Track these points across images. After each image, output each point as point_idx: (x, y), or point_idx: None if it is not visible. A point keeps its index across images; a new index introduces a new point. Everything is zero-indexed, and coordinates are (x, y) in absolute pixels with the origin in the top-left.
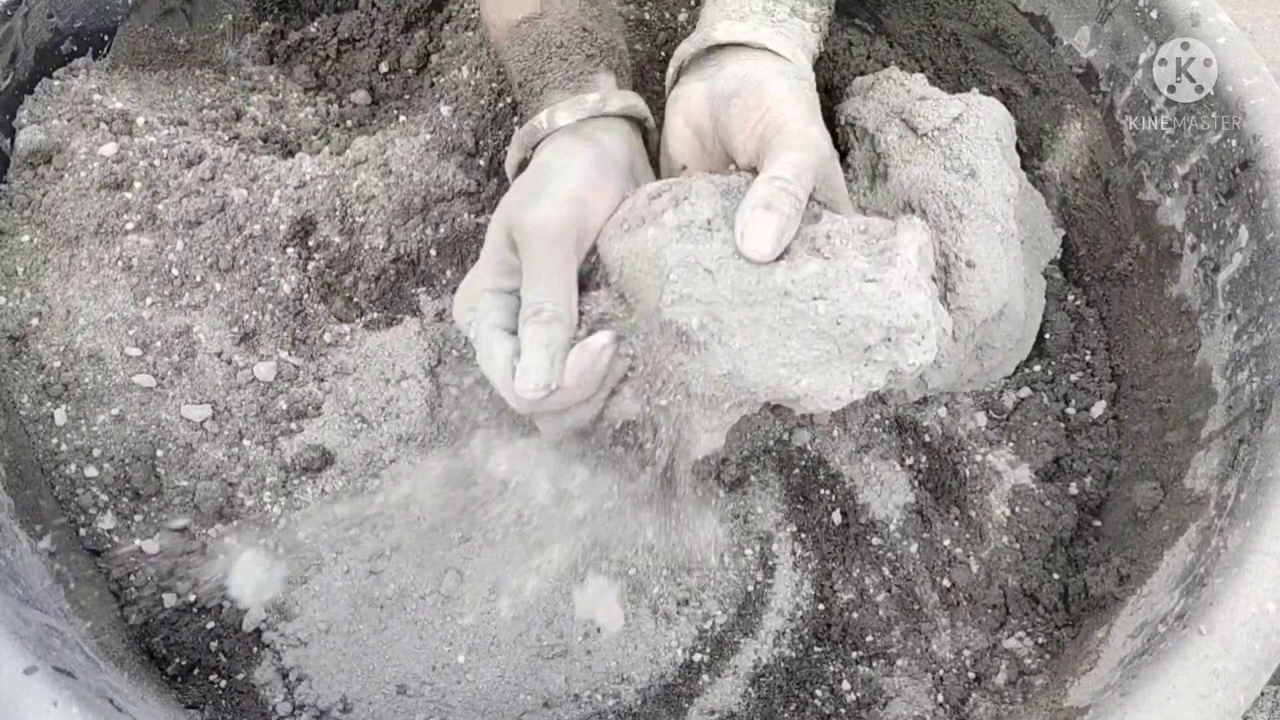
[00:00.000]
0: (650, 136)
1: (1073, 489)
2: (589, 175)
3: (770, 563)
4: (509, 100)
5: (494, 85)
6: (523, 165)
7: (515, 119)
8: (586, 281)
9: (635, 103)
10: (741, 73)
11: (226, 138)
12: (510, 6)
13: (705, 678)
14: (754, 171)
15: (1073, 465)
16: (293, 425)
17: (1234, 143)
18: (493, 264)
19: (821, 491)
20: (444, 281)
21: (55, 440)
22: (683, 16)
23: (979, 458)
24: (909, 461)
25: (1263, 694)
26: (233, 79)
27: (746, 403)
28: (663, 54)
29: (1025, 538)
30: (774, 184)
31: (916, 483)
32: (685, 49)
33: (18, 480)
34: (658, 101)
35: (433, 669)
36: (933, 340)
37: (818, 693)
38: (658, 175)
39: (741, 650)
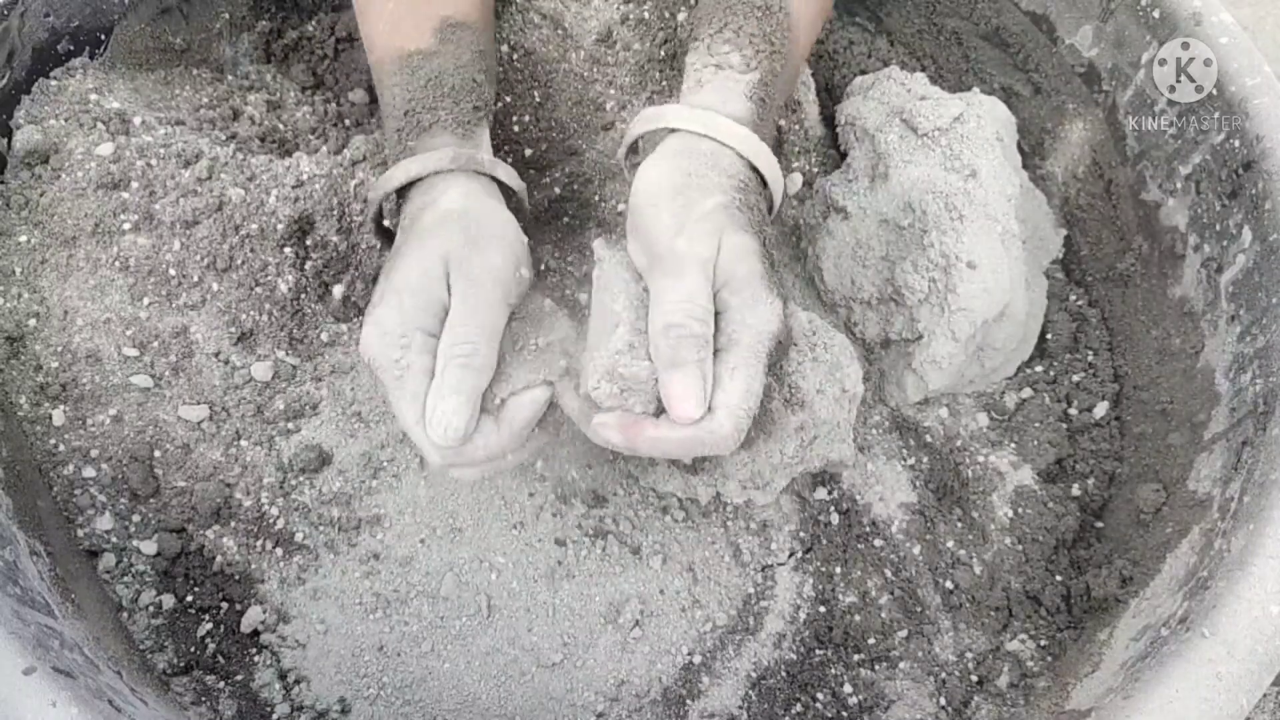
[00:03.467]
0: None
1: (1075, 490)
2: (520, 245)
3: (771, 564)
4: (507, 100)
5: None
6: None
7: (377, 134)
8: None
9: (523, 188)
10: (637, 177)
11: (224, 137)
12: (401, 35)
13: (705, 680)
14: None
15: (1075, 466)
16: (290, 425)
17: (1237, 143)
18: (422, 301)
19: (822, 492)
20: None
21: (53, 441)
22: (682, 16)
23: (981, 458)
24: (910, 462)
25: (1265, 695)
26: (230, 78)
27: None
28: (661, 53)
29: (1028, 539)
30: (669, 335)
31: (918, 483)
32: (619, 154)
33: (16, 481)
34: (655, 100)
35: (430, 672)
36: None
37: (819, 696)
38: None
39: (742, 653)
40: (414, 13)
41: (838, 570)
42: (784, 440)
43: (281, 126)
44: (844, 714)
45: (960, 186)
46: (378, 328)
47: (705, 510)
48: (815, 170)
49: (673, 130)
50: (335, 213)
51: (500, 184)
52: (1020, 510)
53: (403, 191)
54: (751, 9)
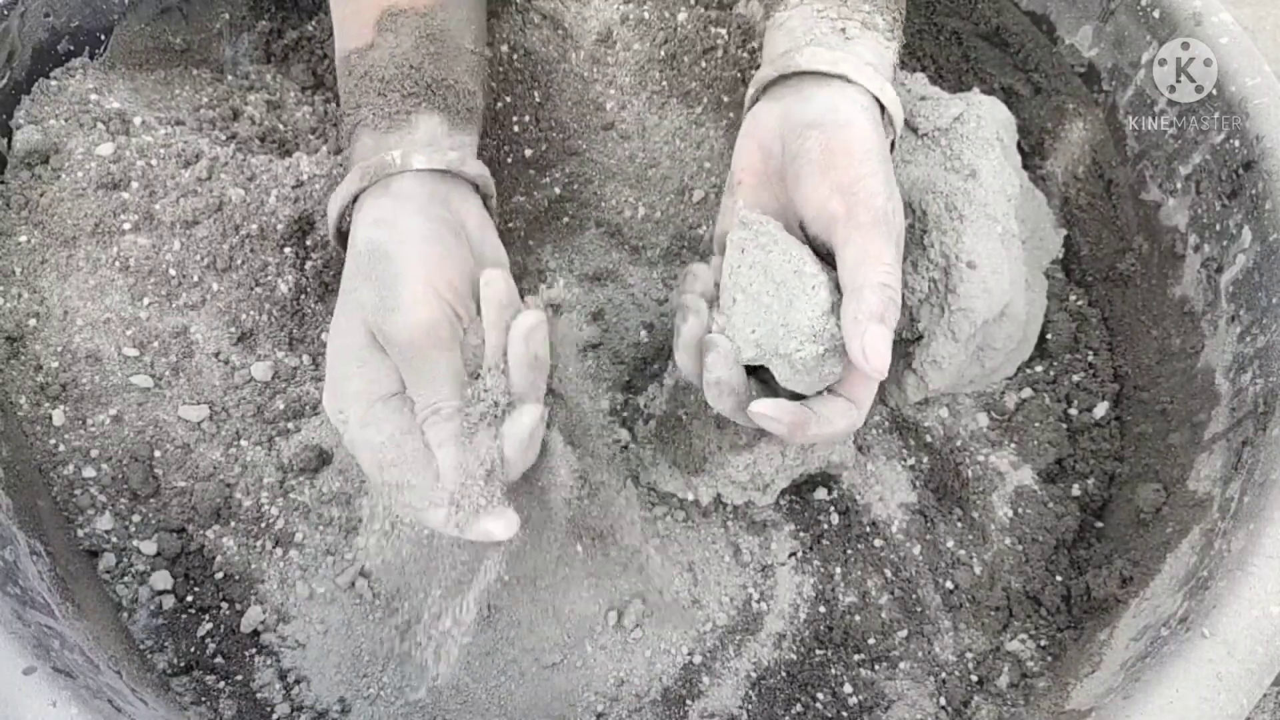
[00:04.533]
0: (490, 208)
1: (1075, 490)
2: (432, 254)
3: (771, 564)
4: (507, 100)
5: (492, 85)
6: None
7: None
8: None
9: (485, 173)
10: (825, 105)
11: (224, 137)
12: (346, 36)
13: (705, 680)
14: (804, 230)
15: (1075, 466)
16: (290, 425)
17: (1237, 143)
18: (362, 369)
19: (822, 492)
20: None
21: (53, 441)
22: (682, 16)
23: (981, 458)
24: (910, 462)
25: (1265, 695)
26: (230, 78)
27: None
28: (661, 53)
29: (1028, 539)
30: (884, 294)
31: (918, 483)
32: (765, 73)
33: (16, 481)
34: (656, 101)
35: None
36: None
37: (819, 696)
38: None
39: (742, 653)
40: (357, 11)
41: (838, 570)
42: (785, 443)
43: (281, 126)
44: (844, 714)
45: (960, 186)
46: (325, 405)
47: (705, 510)
48: None
49: (846, 79)
50: None
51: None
52: (1020, 510)
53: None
54: None
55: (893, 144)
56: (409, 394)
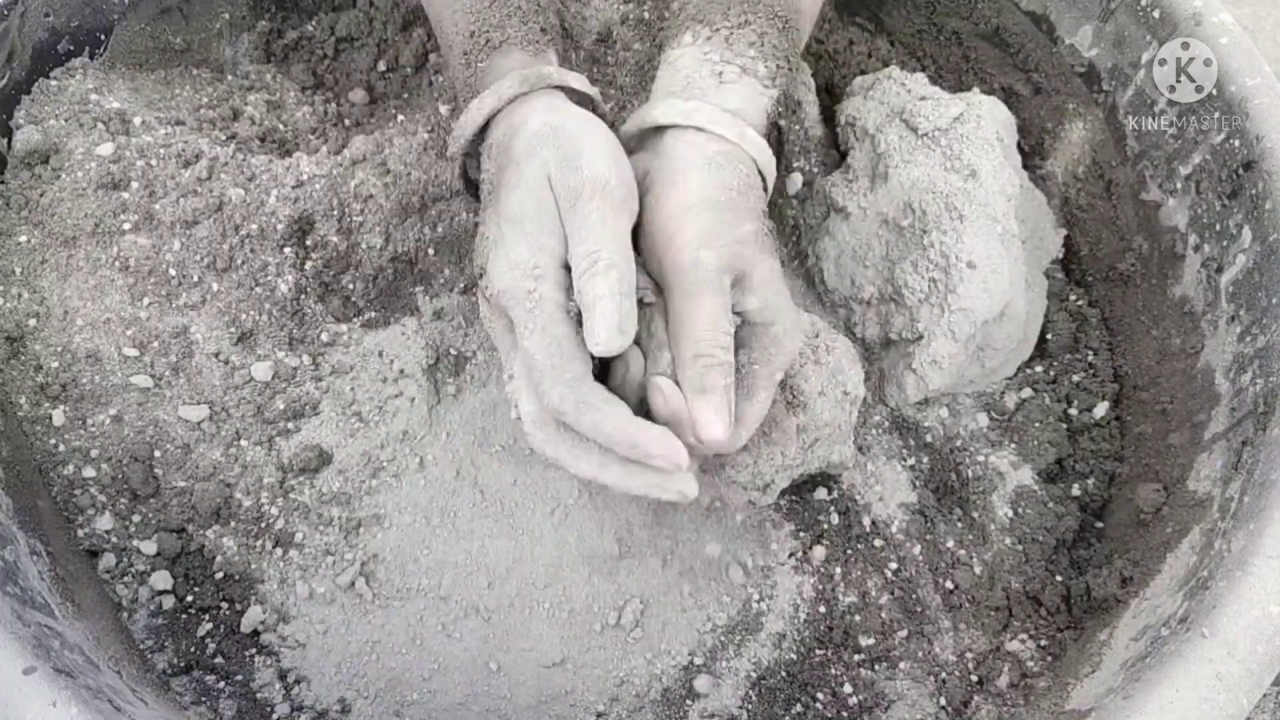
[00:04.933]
0: None
1: (1075, 490)
2: (619, 153)
3: (771, 564)
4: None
5: None
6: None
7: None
8: None
9: (597, 97)
10: (666, 159)
11: (223, 137)
12: None
13: (705, 680)
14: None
15: (1075, 466)
16: (290, 425)
17: (1237, 143)
18: (545, 225)
19: (822, 492)
20: (441, 280)
21: (53, 441)
22: None
23: (981, 458)
24: (910, 462)
25: (1265, 695)
26: (230, 78)
27: None
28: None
29: (1028, 539)
30: (698, 364)
31: (918, 483)
32: (626, 129)
33: (16, 481)
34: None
35: (430, 672)
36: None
37: (819, 696)
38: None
39: (742, 653)
40: None
41: (838, 570)
42: (786, 443)
43: (281, 126)
44: (844, 714)
45: (960, 186)
46: (508, 259)
47: (706, 510)
48: (815, 170)
49: (699, 129)
50: (335, 213)
51: (579, 94)
52: (1020, 510)
53: (484, 128)
54: (773, 18)
55: (766, 186)
56: (572, 252)
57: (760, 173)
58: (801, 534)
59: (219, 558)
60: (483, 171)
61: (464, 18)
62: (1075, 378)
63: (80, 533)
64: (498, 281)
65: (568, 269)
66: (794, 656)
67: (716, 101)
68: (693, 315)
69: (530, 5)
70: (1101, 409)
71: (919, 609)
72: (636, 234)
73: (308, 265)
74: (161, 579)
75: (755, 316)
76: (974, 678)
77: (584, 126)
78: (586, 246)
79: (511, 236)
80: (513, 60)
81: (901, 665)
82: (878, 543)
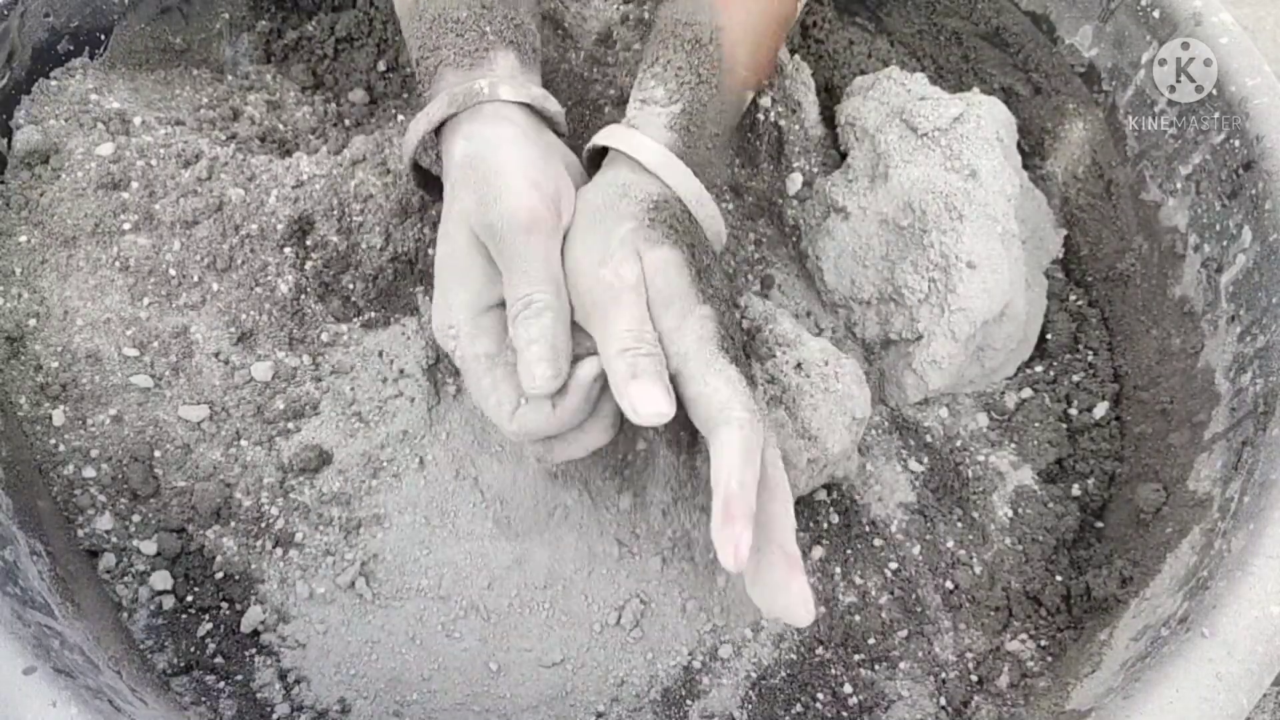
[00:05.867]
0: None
1: (1075, 490)
2: (528, 155)
3: None
4: None
5: None
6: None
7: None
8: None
9: (561, 114)
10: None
11: (223, 137)
12: None
13: (705, 680)
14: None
15: (1075, 466)
16: (290, 425)
17: (1237, 143)
18: (467, 278)
19: (822, 493)
20: None
21: (53, 441)
22: None
23: (981, 458)
24: (910, 462)
25: (1265, 695)
26: (229, 78)
27: None
28: None
29: (1028, 539)
30: (625, 356)
31: (918, 483)
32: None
33: (16, 481)
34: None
35: (430, 672)
36: None
37: (819, 696)
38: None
39: (742, 653)
40: None
41: (838, 570)
42: (797, 475)
43: (281, 126)
44: (844, 714)
45: (960, 186)
46: (436, 314)
47: (706, 511)
48: (815, 170)
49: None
50: (335, 213)
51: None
52: (1020, 510)
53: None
54: (681, 43)
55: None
56: (505, 293)
57: (656, 176)
58: (801, 534)
59: (219, 558)
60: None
61: (414, 44)
62: (1075, 378)
63: (80, 533)
64: (434, 331)
65: (502, 304)
66: (794, 656)
67: (635, 117)
68: (608, 326)
69: (473, 13)
70: (1101, 409)
71: (919, 609)
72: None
73: (308, 265)
74: (161, 579)
75: (652, 310)
76: (974, 678)
77: (500, 151)
78: (517, 291)
79: (439, 289)
80: (445, 83)
81: (901, 665)
82: (878, 543)
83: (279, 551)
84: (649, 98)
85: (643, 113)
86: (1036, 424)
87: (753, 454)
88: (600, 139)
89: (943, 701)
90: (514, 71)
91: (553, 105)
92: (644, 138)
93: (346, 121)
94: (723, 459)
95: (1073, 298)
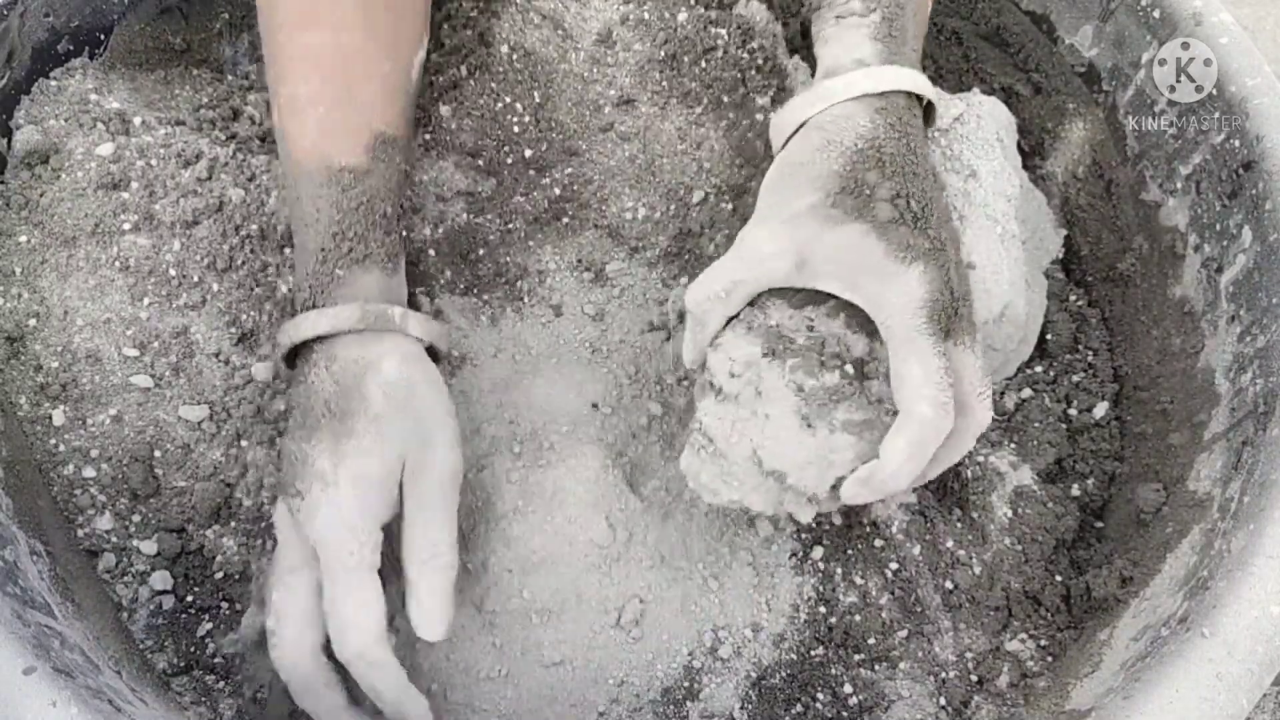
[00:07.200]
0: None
1: (1075, 490)
2: (452, 410)
3: (771, 565)
4: (507, 100)
5: (494, 85)
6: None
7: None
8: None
9: (446, 340)
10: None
11: (224, 137)
12: (335, 147)
13: (705, 681)
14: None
15: (1075, 466)
16: None
17: (1237, 143)
18: (384, 499)
19: None
20: (442, 282)
21: (53, 441)
22: (682, 16)
23: (981, 458)
24: None
25: (1265, 695)
26: (230, 78)
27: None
28: (662, 54)
29: (1027, 539)
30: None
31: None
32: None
33: (16, 481)
34: (657, 102)
35: (430, 673)
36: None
37: (819, 696)
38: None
39: (742, 653)
40: (346, 122)
41: (838, 570)
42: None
43: None
44: (844, 714)
45: (960, 187)
46: (339, 515)
47: (706, 511)
48: None
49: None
50: None
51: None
52: (1020, 510)
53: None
54: None
55: (929, 114)
56: (412, 531)
57: (872, 94)
58: (802, 534)
59: (219, 558)
60: (311, 379)
61: (329, 213)
62: (1075, 378)
63: (80, 533)
64: (323, 530)
65: (384, 529)
66: (794, 656)
67: (820, 65)
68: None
69: (394, 210)
70: (1101, 409)
71: (919, 609)
72: None
73: None
74: (161, 579)
75: (849, 289)
76: (974, 678)
77: (433, 395)
78: (430, 537)
79: (349, 493)
80: (371, 278)
81: (901, 665)
82: (878, 543)
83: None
84: (844, 12)
85: (839, 29)
86: (1036, 424)
87: (925, 448)
88: (800, 115)
89: (943, 701)
90: (405, 288)
91: (443, 343)
92: (835, 81)
93: None
94: (893, 449)
95: (1073, 298)
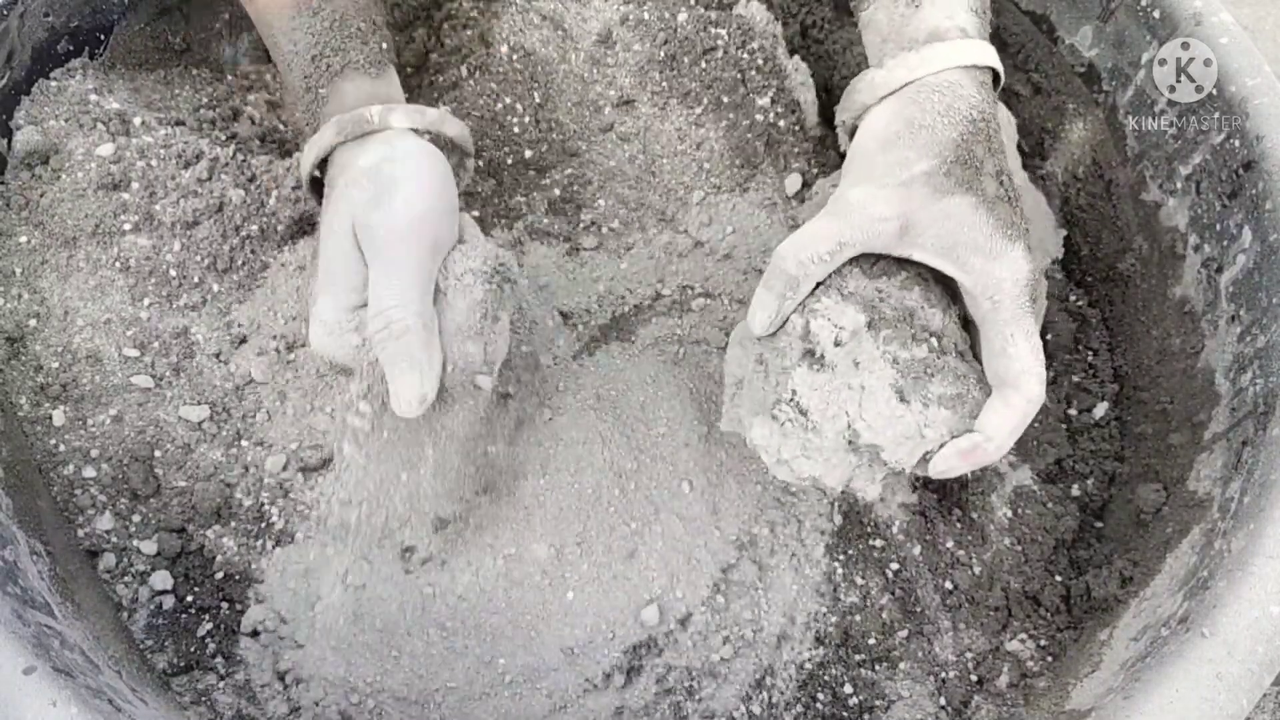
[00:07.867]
0: (466, 166)
1: (1075, 490)
2: (436, 185)
3: (771, 565)
4: (507, 100)
5: (494, 85)
6: (323, 163)
7: (281, 91)
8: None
9: (464, 132)
10: (862, 126)
11: (224, 137)
12: None
13: (705, 681)
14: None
15: (1075, 467)
16: None
17: (1237, 143)
18: (352, 280)
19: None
20: None
21: (54, 441)
22: (682, 16)
23: None
24: None
25: (1265, 695)
26: (230, 78)
27: None
28: (662, 54)
29: (1027, 540)
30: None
31: (918, 484)
32: (859, 100)
33: (16, 481)
34: (657, 102)
35: (428, 673)
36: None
37: (820, 696)
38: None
39: (742, 653)
40: None
41: (839, 570)
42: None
43: (281, 126)
44: (844, 714)
45: None
46: (321, 325)
47: (707, 512)
48: (815, 170)
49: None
50: None
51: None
52: (1020, 510)
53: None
54: None
55: (997, 80)
56: (369, 297)
57: (978, 66)
58: (803, 536)
59: (219, 558)
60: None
61: (304, 37)
62: (1075, 378)
63: (80, 533)
64: (320, 349)
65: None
66: (794, 656)
67: (906, 43)
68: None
69: (368, 25)
70: (1101, 409)
71: (919, 609)
72: None
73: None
74: (161, 579)
75: (955, 261)
76: (974, 678)
77: (410, 159)
78: (379, 304)
79: (322, 295)
80: (352, 85)
81: (901, 665)
82: (878, 543)
83: (279, 552)
84: None
85: (929, 2)
86: (1036, 424)
87: (1027, 423)
88: (907, 75)
89: (943, 701)
90: (399, 89)
91: (451, 127)
92: (947, 47)
93: None
94: (1000, 423)
95: (1073, 298)
